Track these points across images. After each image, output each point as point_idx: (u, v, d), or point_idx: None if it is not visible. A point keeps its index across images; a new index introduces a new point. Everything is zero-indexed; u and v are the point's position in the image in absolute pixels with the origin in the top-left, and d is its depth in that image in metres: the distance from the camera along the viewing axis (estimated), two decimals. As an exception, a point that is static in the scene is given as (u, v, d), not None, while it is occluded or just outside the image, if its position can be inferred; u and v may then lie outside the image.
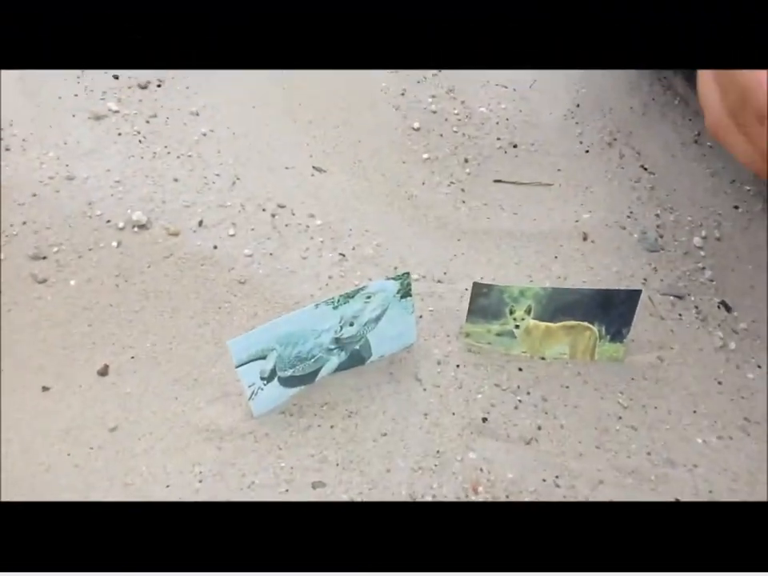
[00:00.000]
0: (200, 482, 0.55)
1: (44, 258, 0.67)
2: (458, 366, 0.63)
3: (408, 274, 0.59)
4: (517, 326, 0.62)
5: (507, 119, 0.99)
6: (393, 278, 0.59)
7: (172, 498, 0.53)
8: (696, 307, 0.72)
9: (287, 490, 0.54)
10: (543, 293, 0.61)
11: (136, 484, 0.55)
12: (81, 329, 0.65)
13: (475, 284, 0.61)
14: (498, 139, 0.96)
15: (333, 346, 0.61)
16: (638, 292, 0.61)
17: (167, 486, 0.54)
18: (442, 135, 0.94)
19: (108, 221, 0.70)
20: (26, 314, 0.64)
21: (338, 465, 0.55)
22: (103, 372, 0.62)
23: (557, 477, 0.55)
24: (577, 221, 0.83)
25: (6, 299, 0.65)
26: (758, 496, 0.57)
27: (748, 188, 0.90)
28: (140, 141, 0.80)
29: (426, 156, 0.91)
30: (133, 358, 0.64)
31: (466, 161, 0.92)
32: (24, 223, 0.69)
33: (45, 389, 0.61)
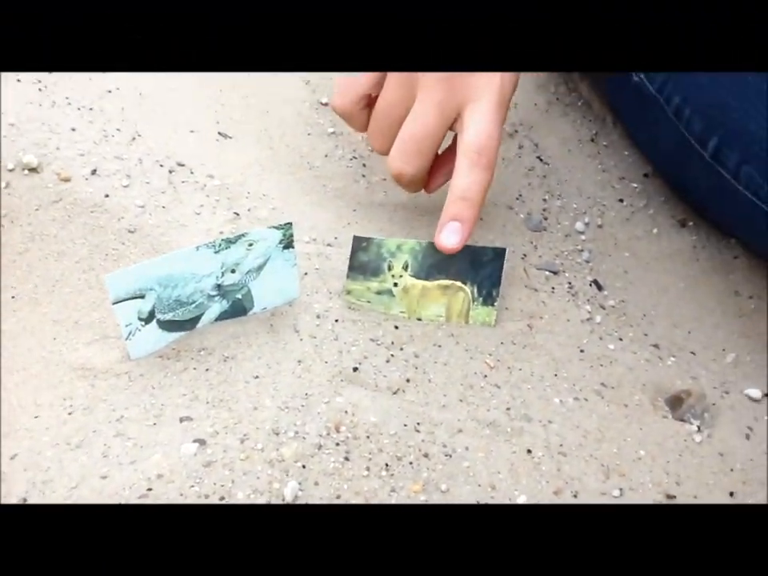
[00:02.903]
0: (69, 414, 0.55)
1: (-75, 192, 0.66)
2: (336, 320, 0.65)
3: (290, 224, 0.61)
4: (395, 284, 0.65)
5: (415, 104, 1.02)
6: (275, 227, 0.61)
7: (38, 428, 0.54)
8: (569, 283, 0.77)
9: (155, 424, 0.55)
10: (419, 247, 0.64)
11: (2, 415, 0.55)
12: (-41, 266, 0.64)
13: (355, 237, 0.64)
14: (405, 122, 0.99)
15: (214, 293, 0.62)
16: (502, 250, 0.65)
17: (36, 417, 0.55)
18: (349, 112, 0.97)
19: (-3, 162, 0.70)
20: None
21: (207, 402, 0.57)
22: (-21, 308, 0.62)
23: (418, 423, 0.58)
24: (469, 200, 0.87)
25: None
26: (604, 452, 0.61)
27: (635, 185, 0.96)
28: (40, 89, 0.80)
29: (331, 130, 0.93)
30: (13, 297, 0.64)
31: (371, 139, 0.94)
32: None
33: None
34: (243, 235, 0.60)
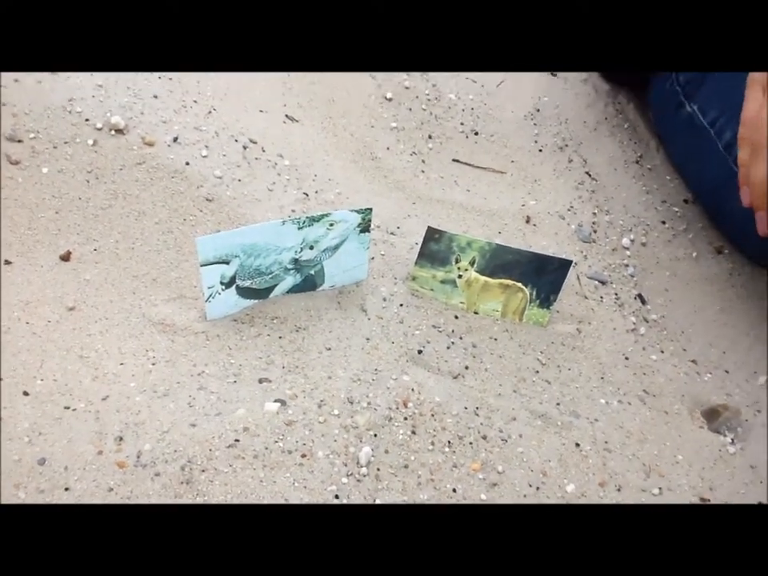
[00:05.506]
0: (153, 364, 0.58)
1: (19, 141, 0.69)
2: (401, 304, 0.69)
3: (370, 209, 0.65)
4: (460, 276, 0.68)
5: (472, 109, 1.05)
6: (356, 211, 0.64)
7: (125, 374, 0.57)
8: (616, 294, 0.80)
9: (235, 381, 0.58)
10: (488, 247, 0.67)
11: (91, 358, 0.57)
12: (47, 214, 0.67)
13: (429, 228, 0.67)
14: (462, 124, 1.02)
15: (291, 266, 0.65)
16: (569, 262, 0.68)
17: (121, 364, 0.58)
18: (411, 109, 1.00)
19: (87, 119, 0.73)
20: (-5, 191, 0.66)
21: (283, 367, 0.60)
22: (65, 257, 0.65)
23: (477, 408, 0.61)
24: (523, 205, 0.90)
25: (-22, 173, 0.66)
26: (645, 452, 0.64)
27: (676, 209, 0.99)
28: (126, 55, 0.82)
29: (393, 125, 0.96)
30: (95, 250, 0.67)
31: (430, 137, 0.98)
32: (4, 105, 0.70)
33: (7, 262, 0.63)
34: (326, 215, 0.63)
